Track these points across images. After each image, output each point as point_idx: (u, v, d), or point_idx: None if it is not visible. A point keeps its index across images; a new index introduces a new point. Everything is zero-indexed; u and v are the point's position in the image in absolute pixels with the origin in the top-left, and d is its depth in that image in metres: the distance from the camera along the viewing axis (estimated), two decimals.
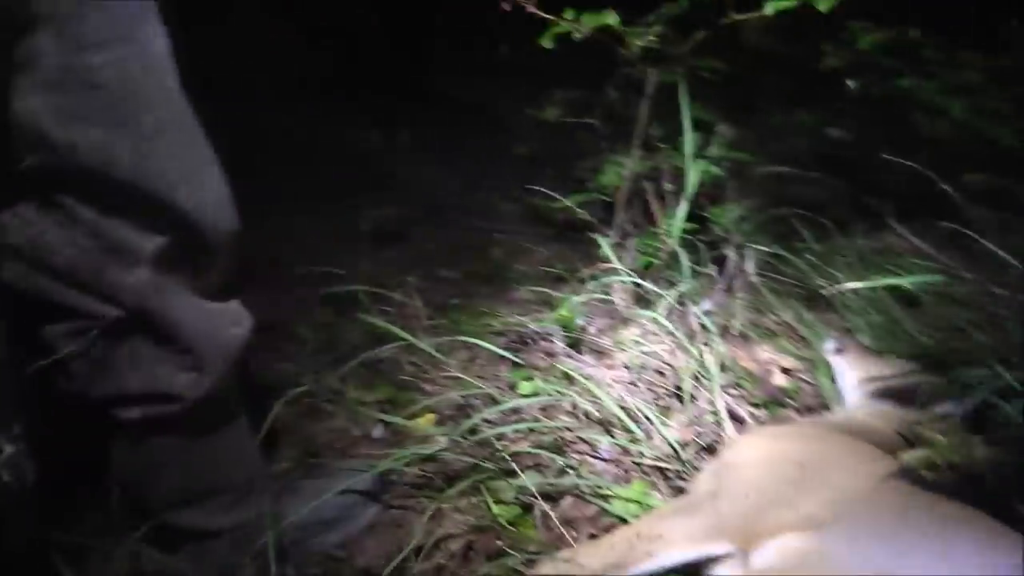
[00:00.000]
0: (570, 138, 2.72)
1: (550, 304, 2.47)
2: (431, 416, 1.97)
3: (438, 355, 2.16)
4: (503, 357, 2.22)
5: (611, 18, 1.83)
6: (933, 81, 2.27)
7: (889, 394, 2.06)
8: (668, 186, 2.29)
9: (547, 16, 1.89)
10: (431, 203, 3.20)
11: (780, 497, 1.59)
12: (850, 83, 2.26)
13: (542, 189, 2.54)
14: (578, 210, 2.42)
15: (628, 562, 1.58)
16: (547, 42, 1.88)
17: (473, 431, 1.86)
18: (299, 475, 1.86)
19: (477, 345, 2.23)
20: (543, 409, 2.01)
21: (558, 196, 2.52)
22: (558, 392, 2.06)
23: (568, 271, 2.58)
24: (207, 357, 1.52)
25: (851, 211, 2.62)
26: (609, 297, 2.32)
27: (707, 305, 2.20)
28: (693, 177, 2.13)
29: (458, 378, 2.11)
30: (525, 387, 2.13)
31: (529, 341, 2.30)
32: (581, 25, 1.83)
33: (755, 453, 1.73)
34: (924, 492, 1.59)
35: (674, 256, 2.22)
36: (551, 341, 2.27)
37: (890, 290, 2.36)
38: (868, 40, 1.77)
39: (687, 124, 2.14)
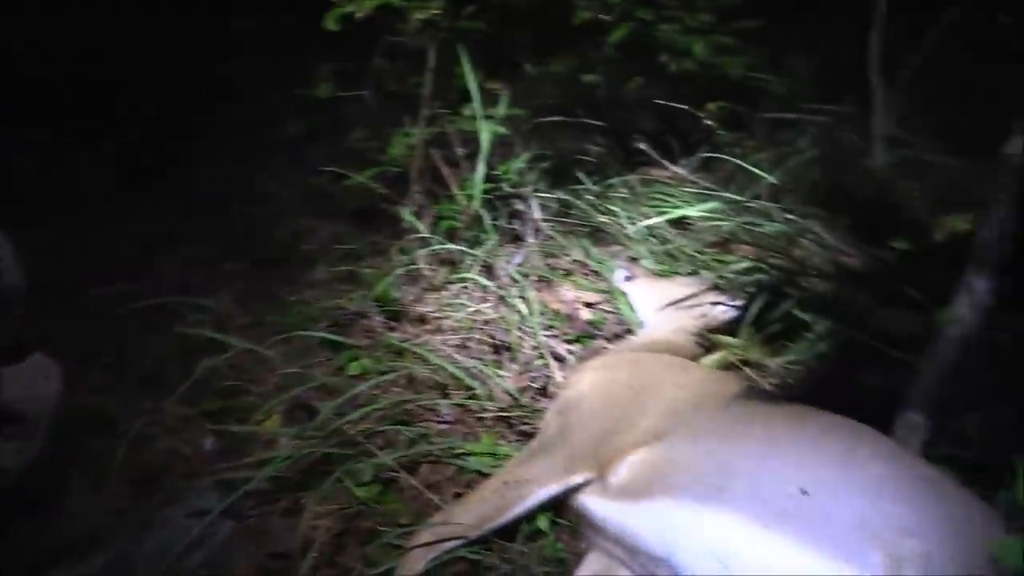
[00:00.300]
0: (344, 113, 2.69)
1: (356, 281, 2.48)
2: (276, 418, 1.93)
3: (264, 352, 2.10)
4: (327, 342, 2.20)
5: None
6: (675, 24, 2.53)
7: (680, 309, 2.30)
8: (460, 150, 2.37)
9: None
10: (206, 194, 3.03)
11: (620, 420, 1.76)
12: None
13: (333, 168, 2.51)
14: (372, 184, 2.42)
15: (501, 509, 1.68)
16: (332, 24, 1.85)
17: (321, 425, 1.86)
18: (144, 508, 1.77)
19: (297, 335, 2.20)
20: (379, 386, 2.03)
21: (347, 173, 2.51)
22: (390, 367, 2.09)
23: (369, 246, 2.59)
24: (26, 421, 1.42)
25: (618, 149, 2.85)
26: (419, 266, 2.37)
27: (518, 259, 2.32)
28: (485, 138, 2.21)
29: (287, 372, 2.08)
30: (354, 367, 2.15)
31: (348, 321, 2.30)
32: (363, 4, 1.82)
33: (589, 386, 1.89)
34: (741, 389, 1.83)
35: (476, 217, 2.31)
36: (370, 317, 2.29)
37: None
38: None
39: (474, 88, 2.22)
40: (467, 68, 2.21)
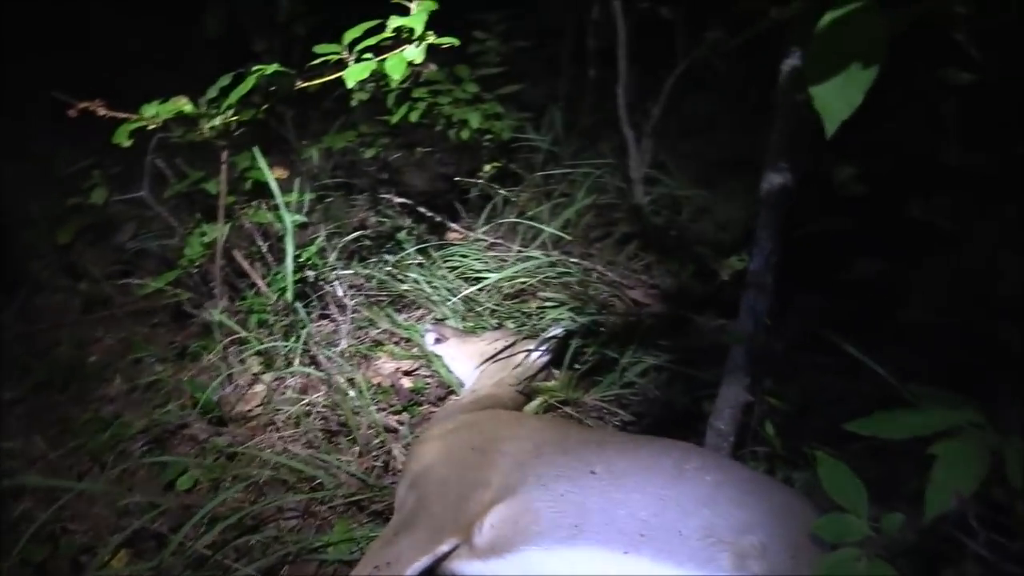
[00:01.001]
0: (120, 216, 2.57)
1: (161, 389, 2.38)
2: (123, 554, 1.81)
3: (79, 485, 1.97)
4: (151, 461, 2.10)
5: (187, 106, 1.82)
6: (447, 96, 2.69)
7: (495, 363, 2.43)
8: (261, 243, 2.35)
9: (121, 115, 1.79)
10: None
11: (472, 482, 1.85)
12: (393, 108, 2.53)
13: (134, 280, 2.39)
14: (166, 287, 2.34)
15: None
16: (123, 139, 1.79)
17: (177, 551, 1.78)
18: None
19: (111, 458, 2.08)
20: (220, 497, 1.97)
21: (140, 281, 2.40)
22: (224, 474, 2.04)
23: (168, 349, 2.49)
24: None
25: (408, 218, 2.95)
26: (234, 366, 2.33)
27: (342, 342, 2.35)
28: (290, 228, 2.23)
29: (117, 503, 1.96)
30: (184, 481, 2.07)
31: (167, 435, 2.21)
32: (158, 117, 1.78)
33: (434, 456, 1.96)
34: (572, 429, 2.00)
35: (288, 307, 2.31)
36: (191, 426, 2.21)
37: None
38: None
39: (272, 183, 2.22)
40: (262, 164, 2.22)
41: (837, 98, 0.91)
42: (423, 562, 1.76)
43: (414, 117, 2.60)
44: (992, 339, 2.09)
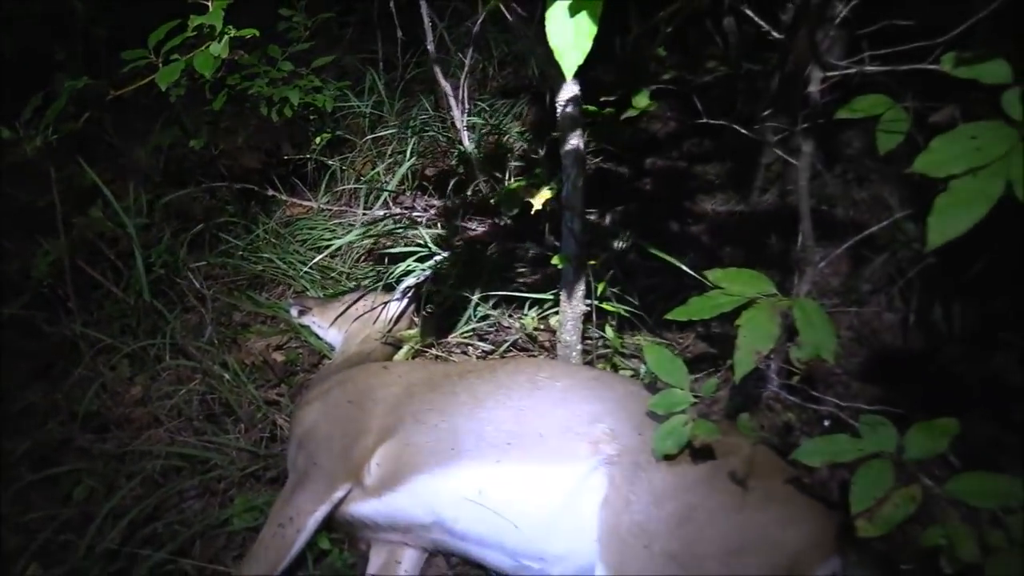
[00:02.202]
0: None
1: (30, 412, 2.41)
2: (34, 566, 1.89)
3: None
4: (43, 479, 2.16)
5: (5, 132, 1.84)
6: (256, 82, 2.76)
7: (359, 322, 2.60)
8: (107, 250, 2.39)
9: None
10: None
11: (354, 432, 2.03)
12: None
13: None
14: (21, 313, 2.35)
15: (286, 547, 1.88)
16: None
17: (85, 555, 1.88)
18: None
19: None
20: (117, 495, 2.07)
21: None
22: (117, 476, 2.14)
23: (39, 371, 2.51)
24: None
25: (249, 201, 3.03)
26: (105, 373, 2.39)
27: (209, 331, 2.44)
28: (133, 232, 2.28)
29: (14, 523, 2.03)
30: (80, 491, 2.15)
31: (52, 453, 2.26)
32: None
33: (316, 416, 2.12)
34: (438, 368, 2.20)
35: (149, 307, 2.38)
36: (75, 439, 2.27)
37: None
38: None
39: (106, 191, 2.26)
40: (92, 175, 2.25)
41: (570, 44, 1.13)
42: (322, 511, 1.93)
43: (217, 105, 2.66)
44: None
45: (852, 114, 1.67)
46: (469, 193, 2.93)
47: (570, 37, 1.15)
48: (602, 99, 2.36)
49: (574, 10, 1.13)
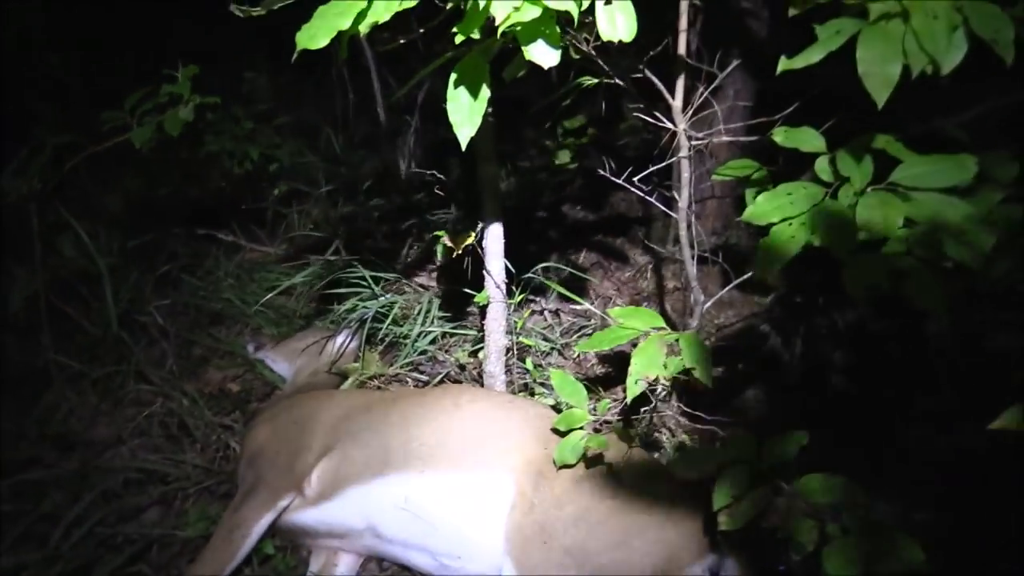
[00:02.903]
0: None
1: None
2: None
3: None
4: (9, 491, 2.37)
5: None
6: (221, 137, 3.06)
7: (308, 356, 2.86)
8: (80, 288, 2.65)
9: None
10: None
11: (298, 449, 2.28)
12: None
13: None
14: None
15: (233, 551, 2.12)
16: None
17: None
18: None
19: None
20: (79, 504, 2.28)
21: None
22: (80, 491, 2.36)
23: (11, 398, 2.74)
24: None
25: (211, 246, 3.30)
26: (71, 397, 2.62)
27: (170, 362, 2.69)
28: (104, 270, 2.54)
29: None
30: (45, 505, 2.36)
31: (19, 470, 2.47)
32: None
33: (264, 436, 2.37)
34: (374, 395, 2.47)
35: (116, 338, 2.63)
36: (42, 460, 2.49)
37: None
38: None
39: (82, 233, 2.52)
40: (69, 218, 2.52)
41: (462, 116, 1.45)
42: (267, 518, 2.18)
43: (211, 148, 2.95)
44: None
45: (723, 176, 2.00)
46: (415, 241, 3.23)
47: (464, 114, 1.47)
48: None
49: (457, 83, 1.45)
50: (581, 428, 2.04)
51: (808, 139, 1.69)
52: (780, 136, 1.74)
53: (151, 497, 2.36)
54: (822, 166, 1.64)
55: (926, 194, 1.51)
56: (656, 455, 2.28)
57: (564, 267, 2.85)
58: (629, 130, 2.89)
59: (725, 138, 1.93)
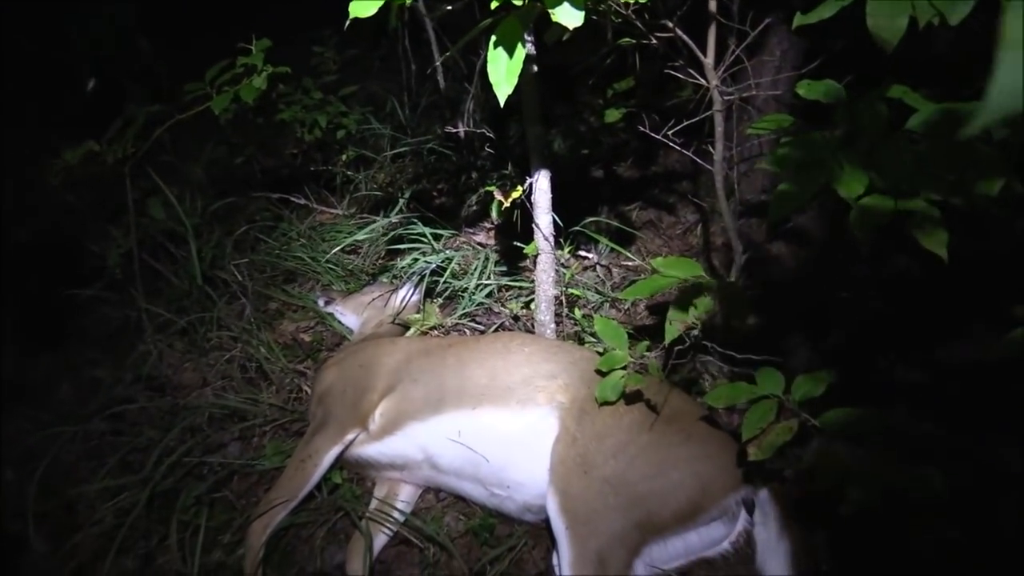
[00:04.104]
0: None
1: (98, 382, 2.93)
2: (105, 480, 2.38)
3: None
4: (110, 429, 2.66)
5: (95, 146, 2.36)
6: (293, 107, 3.29)
7: (374, 309, 3.07)
8: (170, 246, 2.91)
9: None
10: None
11: (363, 389, 2.48)
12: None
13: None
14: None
15: (305, 479, 2.34)
16: (55, 179, 2.31)
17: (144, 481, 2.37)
18: None
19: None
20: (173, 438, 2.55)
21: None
22: (170, 424, 2.62)
23: (109, 346, 3.04)
24: None
25: (286, 208, 3.55)
26: (163, 344, 2.90)
27: (248, 313, 2.94)
28: (191, 232, 2.79)
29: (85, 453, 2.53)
30: (140, 440, 2.63)
31: (121, 411, 2.75)
32: (76, 157, 2.32)
33: (332, 378, 2.58)
34: (431, 339, 2.66)
35: (201, 292, 2.89)
36: (134, 399, 2.76)
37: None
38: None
39: (171, 197, 2.78)
40: (159, 182, 2.78)
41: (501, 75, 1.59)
42: (336, 451, 2.39)
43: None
44: None
45: (757, 131, 2.10)
46: (474, 200, 3.40)
47: (502, 73, 1.61)
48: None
49: (496, 45, 1.60)
50: (622, 368, 2.19)
51: (829, 90, 1.78)
52: (803, 88, 1.83)
53: (232, 433, 2.60)
54: (841, 114, 1.74)
55: (937, 140, 1.60)
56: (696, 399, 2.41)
57: (613, 222, 2.99)
58: (680, 92, 2.98)
59: (770, 93, 2.03)
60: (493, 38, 1.62)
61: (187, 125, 2.62)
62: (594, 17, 1.81)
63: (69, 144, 2.50)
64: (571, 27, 1.48)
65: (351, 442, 2.41)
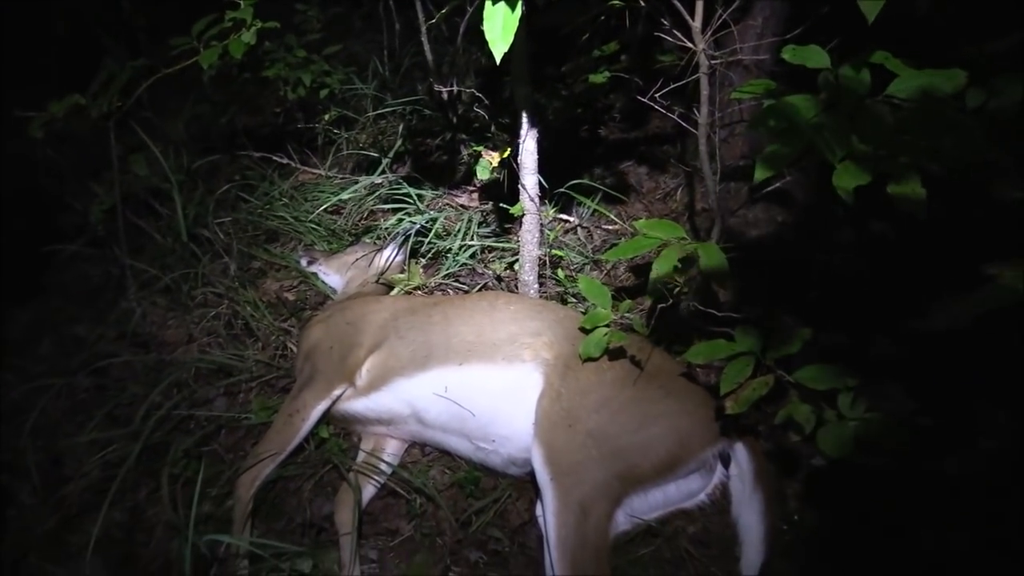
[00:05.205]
0: None
1: (81, 340, 2.93)
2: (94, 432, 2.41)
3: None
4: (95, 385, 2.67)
5: (80, 100, 2.35)
6: (276, 64, 3.27)
7: (357, 269, 3.08)
8: (153, 202, 2.90)
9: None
10: None
11: (349, 345, 2.52)
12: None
13: None
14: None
15: (293, 432, 2.37)
16: (36, 132, 2.29)
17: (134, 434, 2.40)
18: None
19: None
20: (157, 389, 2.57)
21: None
22: (156, 379, 2.64)
23: (92, 303, 3.04)
24: None
25: (267, 168, 3.54)
26: (149, 300, 2.91)
27: (233, 271, 2.95)
28: (175, 187, 2.79)
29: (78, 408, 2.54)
30: (125, 395, 2.65)
31: (105, 366, 2.76)
32: (60, 110, 2.29)
33: (319, 334, 2.61)
34: (417, 297, 2.69)
35: (186, 249, 2.90)
36: (120, 355, 2.77)
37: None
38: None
39: (158, 153, 2.76)
40: (144, 137, 2.76)
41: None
42: (323, 405, 2.43)
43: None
44: None
45: (742, 95, 2.15)
46: (459, 161, 3.42)
47: (498, 31, 1.64)
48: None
49: (495, 1, 1.62)
50: (606, 326, 2.25)
51: (813, 56, 1.83)
52: (788, 54, 1.88)
53: (218, 389, 2.63)
54: (825, 79, 1.79)
55: (915, 106, 1.65)
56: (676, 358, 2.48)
57: (597, 185, 3.03)
58: (663, 56, 3.01)
59: (753, 58, 2.07)
60: None
61: (167, 81, 2.60)
62: None
63: (43, 97, 2.48)
64: None
65: (338, 397, 2.45)
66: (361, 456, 2.48)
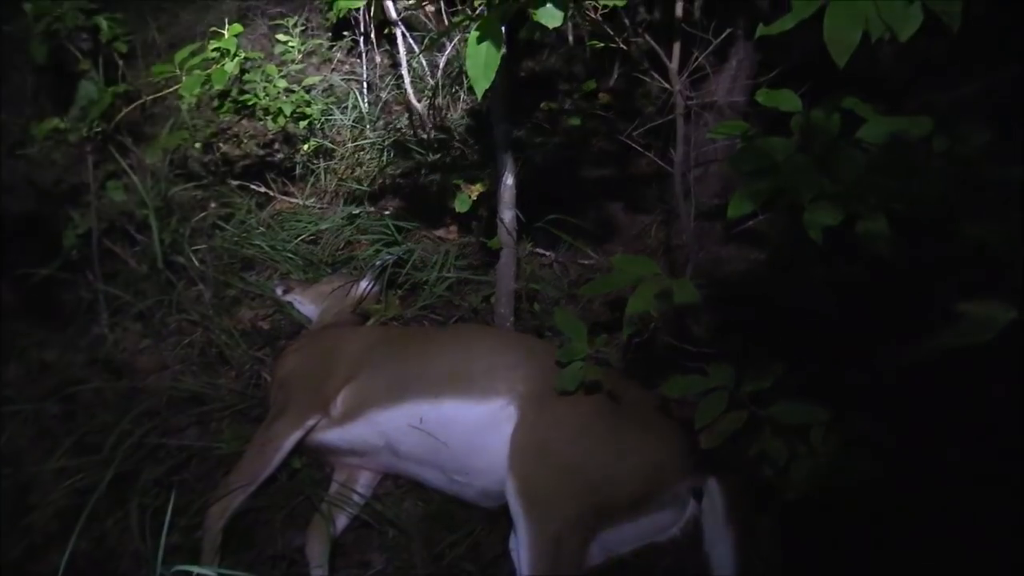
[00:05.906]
0: None
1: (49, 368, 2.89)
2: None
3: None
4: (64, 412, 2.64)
5: (60, 123, 2.34)
6: (256, 95, 3.30)
7: (333, 299, 3.09)
8: (129, 227, 2.89)
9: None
10: None
11: (324, 375, 2.51)
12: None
13: None
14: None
15: (265, 463, 2.35)
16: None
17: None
18: None
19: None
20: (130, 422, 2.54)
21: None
22: (126, 407, 2.61)
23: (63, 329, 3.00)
24: None
25: (244, 196, 3.54)
26: (120, 330, 2.88)
27: (208, 293, 2.93)
28: (152, 213, 2.79)
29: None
30: (95, 422, 2.62)
31: (74, 392, 2.72)
32: (40, 133, 2.29)
33: (293, 362, 2.61)
34: (393, 328, 2.70)
35: (161, 276, 2.88)
36: (90, 381, 2.74)
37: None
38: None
39: (135, 179, 2.76)
40: (121, 162, 2.76)
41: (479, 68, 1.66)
42: (296, 435, 2.41)
43: (223, 111, 3.18)
44: None
45: (717, 135, 2.21)
46: (436, 193, 3.45)
47: (480, 68, 1.68)
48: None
49: (478, 40, 1.66)
50: (581, 359, 2.27)
51: (786, 99, 1.89)
52: (762, 97, 1.94)
53: (190, 418, 2.61)
54: (797, 122, 1.84)
55: (883, 150, 1.72)
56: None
57: (573, 220, 3.06)
58: (645, 97, 3.09)
59: (728, 99, 2.13)
60: (474, 34, 1.68)
61: (144, 108, 2.60)
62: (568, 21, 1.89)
63: (16, 120, 2.48)
64: (551, 27, 1.55)
65: (312, 427, 2.44)
66: (334, 487, 2.46)
